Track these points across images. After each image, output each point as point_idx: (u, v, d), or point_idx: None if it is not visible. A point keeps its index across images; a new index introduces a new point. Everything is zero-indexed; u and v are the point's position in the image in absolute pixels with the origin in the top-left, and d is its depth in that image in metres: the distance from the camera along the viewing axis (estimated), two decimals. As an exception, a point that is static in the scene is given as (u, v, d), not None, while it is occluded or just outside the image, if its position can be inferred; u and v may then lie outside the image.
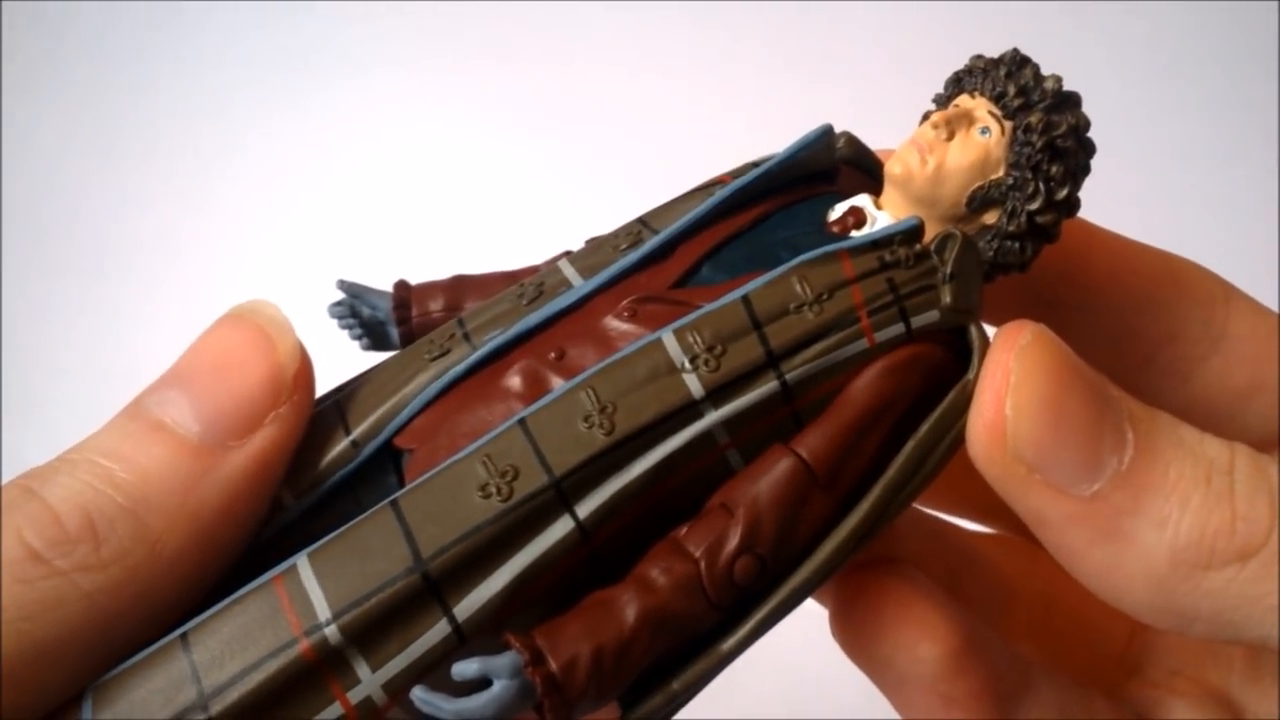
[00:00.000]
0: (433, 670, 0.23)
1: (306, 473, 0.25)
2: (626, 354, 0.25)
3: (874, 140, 0.30)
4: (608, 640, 0.23)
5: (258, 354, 0.25)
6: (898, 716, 0.32)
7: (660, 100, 0.79)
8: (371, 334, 0.31)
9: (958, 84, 0.28)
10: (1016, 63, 0.27)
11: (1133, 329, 0.31)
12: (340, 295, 0.31)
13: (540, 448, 0.24)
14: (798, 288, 0.25)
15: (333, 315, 0.31)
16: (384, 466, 0.26)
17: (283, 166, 0.79)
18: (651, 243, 0.27)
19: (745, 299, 0.25)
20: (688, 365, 0.24)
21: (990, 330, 0.26)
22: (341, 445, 0.26)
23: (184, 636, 0.23)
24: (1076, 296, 0.31)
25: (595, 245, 0.28)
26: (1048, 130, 0.26)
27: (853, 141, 0.29)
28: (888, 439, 0.26)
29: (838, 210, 0.28)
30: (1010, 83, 0.26)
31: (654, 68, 0.80)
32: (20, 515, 0.22)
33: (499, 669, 0.22)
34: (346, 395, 0.27)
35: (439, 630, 0.23)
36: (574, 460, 0.24)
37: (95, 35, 0.83)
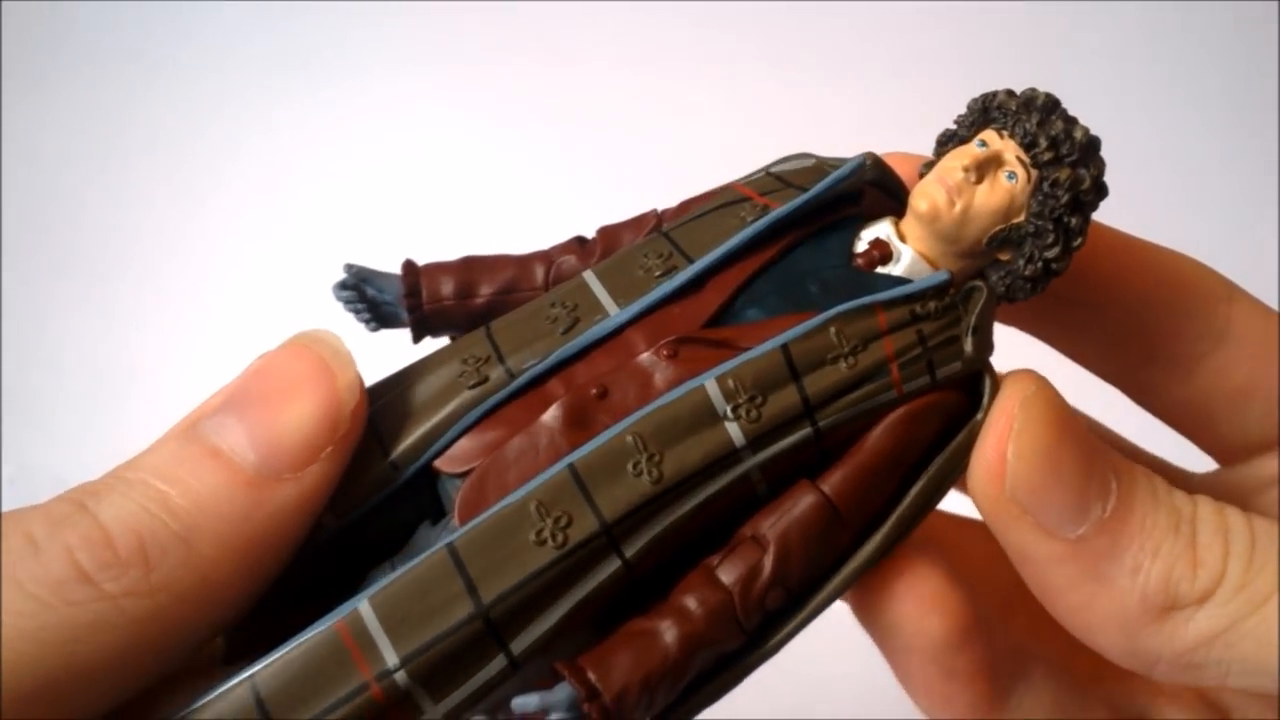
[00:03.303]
0: (487, 695, 0.24)
1: (346, 492, 0.26)
2: (670, 400, 0.25)
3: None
4: (654, 669, 0.25)
5: (319, 387, 0.25)
6: (896, 718, 0.32)
7: (661, 95, 0.79)
8: (379, 317, 0.30)
9: (984, 114, 0.28)
10: (1047, 109, 0.27)
11: (1136, 326, 0.32)
12: (345, 275, 0.30)
13: (592, 494, 0.25)
14: (834, 338, 0.26)
15: (339, 299, 0.30)
16: (419, 483, 0.26)
17: (284, 166, 0.80)
18: (686, 274, 0.27)
19: (784, 348, 0.26)
20: (729, 414, 0.25)
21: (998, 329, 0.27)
22: (380, 466, 0.26)
23: (252, 681, 0.23)
24: (1081, 293, 0.31)
25: (623, 262, 0.28)
26: (1074, 186, 0.27)
27: (878, 164, 0.29)
28: (904, 477, 0.27)
29: (863, 241, 0.28)
30: (1041, 132, 0.27)
31: (655, 63, 0.80)
32: (72, 533, 0.22)
33: (557, 704, 0.24)
34: (379, 411, 0.27)
35: (497, 664, 0.24)
36: (624, 508, 0.25)
37: (95, 35, 0.83)
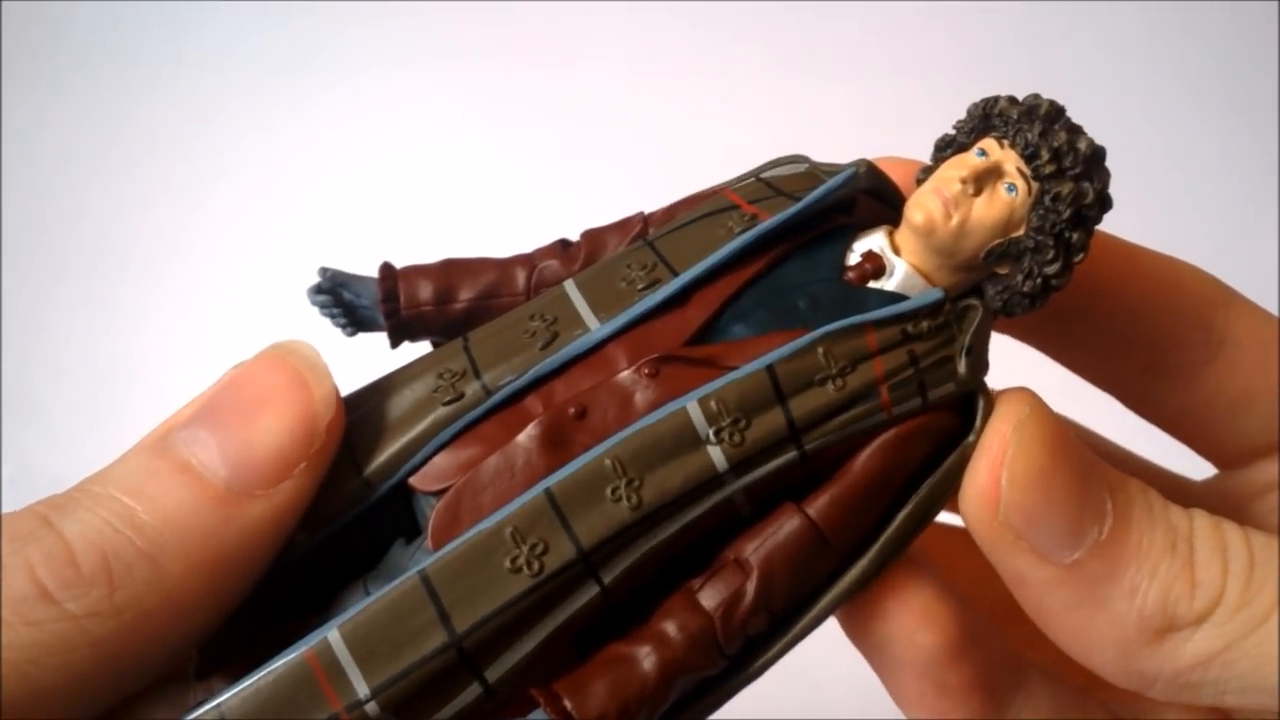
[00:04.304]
0: None
1: (319, 509, 0.25)
2: (651, 423, 0.25)
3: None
4: (632, 696, 0.24)
5: (294, 400, 0.24)
6: (894, 718, 0.32)
7: (659, 94, 0.79)
8: (355, 320, 0.29)
9: (985, 121, 0.27)
10: (1050, 117, 0.26)
11: (1134, 334, 0.31)
12: (320, 279, 0.29)
13: (569, 521, 0.24)
14: (822, 359, 0.25)
15: (314, 304, 0.29)
16: (394, 499, 0.26)
17: (283, 165, 0.79)
18: (669, 289, 0.26)
19: (770, 369, 0.25)
20: (712, 437, 0.25)
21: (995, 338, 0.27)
22: (353, 483, 0.25)
23: (220, 711, 0.23)
24: (1078, 303, 0.31)
25: (605, 273, 0.27)
26: (1076, 201, 0.26)
27: (872, 171, 0.28)
28: (893, 499, 0.27)
29: (855, 253, 0.27)
30: (1044, 144, 0.26)
31: (653, 62, 0.80)
32: (35, 550, 0.22)
33: None
34: (353, 425, 0.26)
35: (471, 691, 0.24)
36: (602, 535, 0.24)
37: (95, 35, 0.83)
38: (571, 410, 0.25)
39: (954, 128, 0.28)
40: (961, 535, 0.36)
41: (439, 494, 0.25)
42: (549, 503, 0.24)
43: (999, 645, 0.30)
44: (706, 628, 0.25)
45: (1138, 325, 0.31)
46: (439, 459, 0.26)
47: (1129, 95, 0.76)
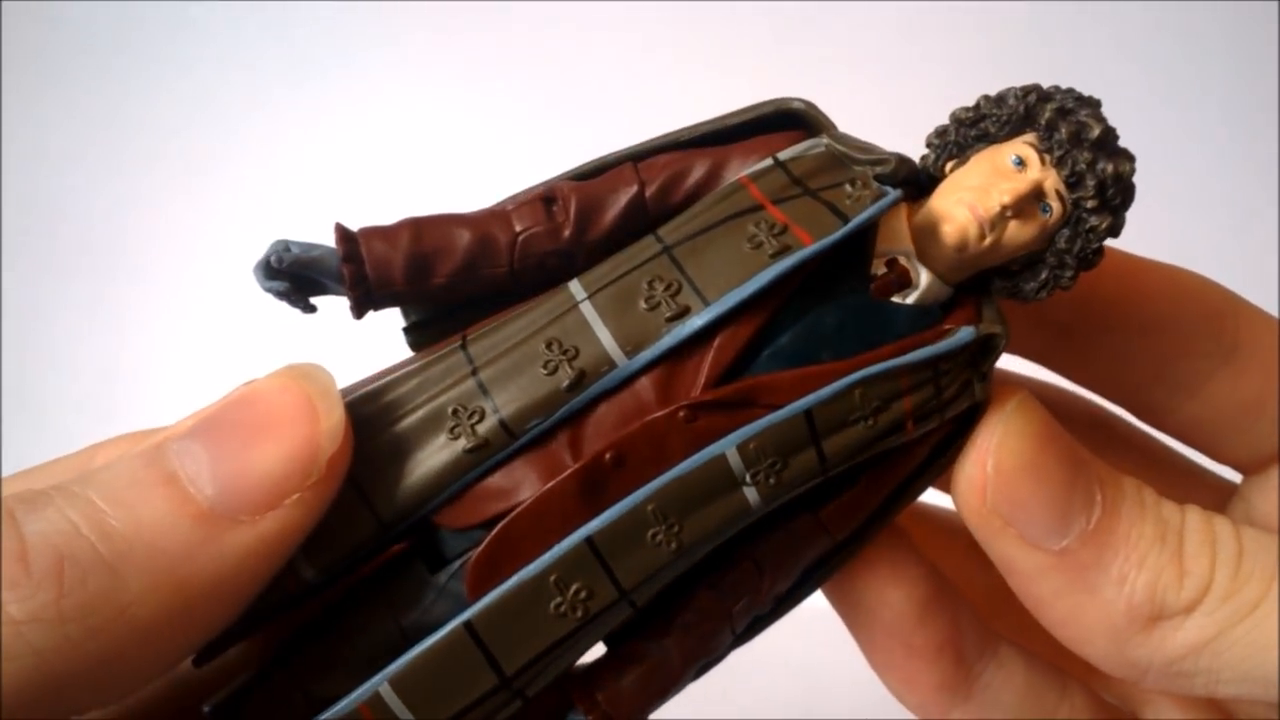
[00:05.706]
0: None
1: (328, 545, 0.24)
2: (690, 470, 0.25)
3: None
4: (658, 687, 0.27)
5: (298, 426, 0.23)
6: (893, 718, 0.32)
7: (649, 86, 0.79)
8: (312, 291, 0.27)
9: (1027, 118, 0.26)
10: (1096, 144, 0.25)
11: (1142, 346, 0.31)
12: (271, 258, 0.26)
13: (611, 566, 0.25)
14: (858, 400, 0.25)
15: (267, 290, 0.26)
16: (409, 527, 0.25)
17: (287, 165, 0.79)
18: (700, 321, 0.25)
19: (808, 414, 0.25)
20: (748, 479, 0.25)
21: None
22: (366, 523, 0.25)
23: None
24: (1085, 317, 0.31)
25: (625, 292, 0.25)
26: (1110, 231, 0.26)
27: (903, 167, 0.27)
28: (890, 493, 0.28)
29: (879, 260, 0.27)
30: (1090, 174, 0.25)
31: (644, 54, 0.80)
32: None
33: None
34: (360, 456, 0.24)
35: (513, 707, 0.25)
36: (643, 576, 0.25)
37: (95, 35, 0.83)
38: (609, 457, 0.25)
39: (985, 112, 0.27)
40: (956, 527, 0.36)
41: (465, 530, 0.25)
42: (590, 550, 0.24)
43: (969, 614, 0.31)
44: (723, 623, 0.27)
45: (1146, 337, 0.31)
46: (467, 499, 0.25)
47: (1128, 95, 0.76)
